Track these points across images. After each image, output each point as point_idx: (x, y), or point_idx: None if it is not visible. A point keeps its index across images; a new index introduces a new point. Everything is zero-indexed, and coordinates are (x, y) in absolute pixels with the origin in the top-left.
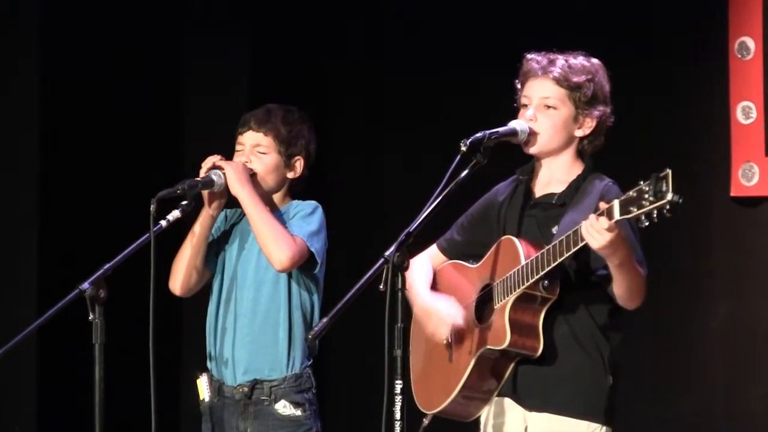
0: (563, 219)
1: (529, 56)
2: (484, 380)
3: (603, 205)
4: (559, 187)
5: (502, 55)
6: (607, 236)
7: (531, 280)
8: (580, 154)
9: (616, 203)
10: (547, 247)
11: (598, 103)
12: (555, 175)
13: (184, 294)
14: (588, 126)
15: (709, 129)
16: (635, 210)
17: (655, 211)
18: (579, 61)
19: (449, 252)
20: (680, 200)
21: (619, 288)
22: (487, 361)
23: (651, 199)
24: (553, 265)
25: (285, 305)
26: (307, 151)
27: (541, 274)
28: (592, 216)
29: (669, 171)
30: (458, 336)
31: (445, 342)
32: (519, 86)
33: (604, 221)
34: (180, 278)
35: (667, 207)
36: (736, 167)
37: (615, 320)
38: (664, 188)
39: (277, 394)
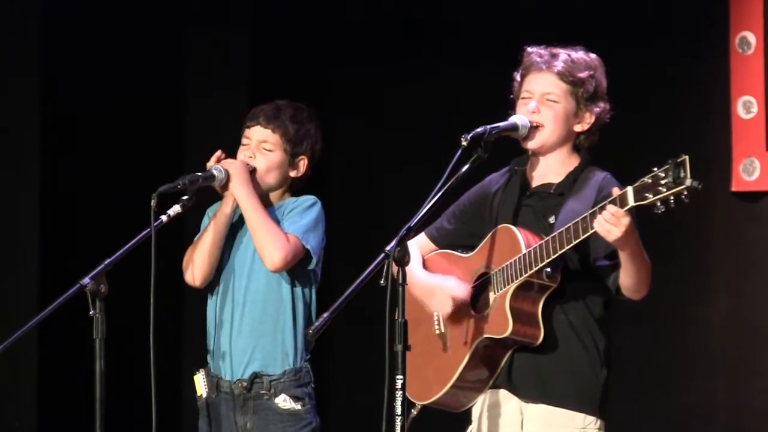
0: (563, 209)
1: (530, 49)
2: (480, 370)
3: (616, 192)
4: (555, 178)
5: (500, 54)
6: (622, 224)
7: (534, 269)
8: (576, 148)
9: (629, 190)
10: (552, 235)
11: (598, 99)
12: (552, 167)
13: (203, 284)
14: (587, 122)
15: (709, 124)
16: (651, 196)
17: (672, 197)
18: (580, 55)
19: (439, 241)
20: (700, 185)
21: (628, 278)
22: (485, 351)
23: (670, 184)
24: (559, 253)
25: (288, 295)
26: (312, 152)
27: (546, 262)
28: (608, 204)
29: (686, 157)
30: (453, 325)
31: (448, 317)
32: (519, 79)
33: (613, 208)
34: (203, 268)
35: (685, 193)
36: (737, 162)
37: (609, 313)
38: (682, 174)
39: (277, 388)
